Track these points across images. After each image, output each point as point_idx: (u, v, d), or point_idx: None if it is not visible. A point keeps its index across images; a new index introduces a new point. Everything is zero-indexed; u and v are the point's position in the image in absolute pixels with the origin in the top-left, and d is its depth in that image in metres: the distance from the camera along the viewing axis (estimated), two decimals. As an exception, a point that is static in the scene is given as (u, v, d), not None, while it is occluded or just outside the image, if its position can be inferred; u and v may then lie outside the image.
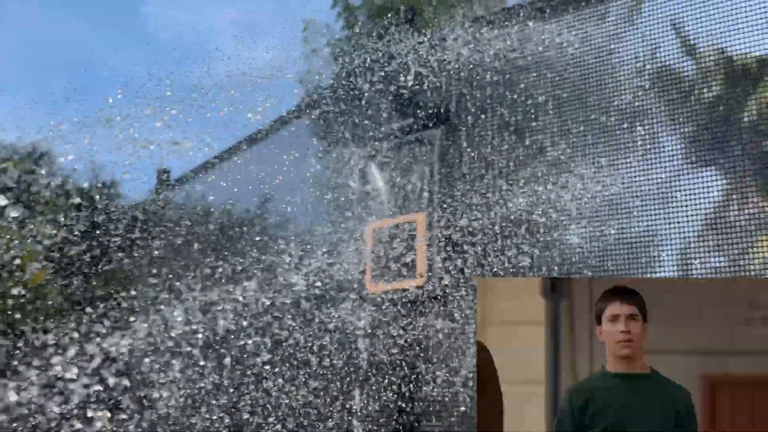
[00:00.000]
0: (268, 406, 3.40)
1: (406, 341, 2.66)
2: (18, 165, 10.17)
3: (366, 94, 3.05)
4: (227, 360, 3.45)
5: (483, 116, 2.79)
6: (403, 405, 2.80)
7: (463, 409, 2.69)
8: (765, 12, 2.74)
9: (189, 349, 3.39)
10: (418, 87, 2.73)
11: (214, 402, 3.48)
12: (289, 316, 3.35)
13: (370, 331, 2.89)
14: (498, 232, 2.72)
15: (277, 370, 3.40)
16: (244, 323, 3.58)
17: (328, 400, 3.17)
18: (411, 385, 2.76)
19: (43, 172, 11.28)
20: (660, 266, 2.93)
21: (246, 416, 3.41)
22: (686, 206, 2.85)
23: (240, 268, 3.81)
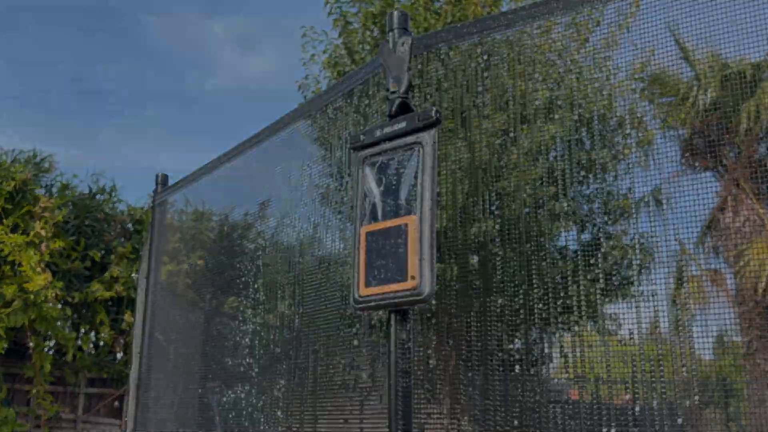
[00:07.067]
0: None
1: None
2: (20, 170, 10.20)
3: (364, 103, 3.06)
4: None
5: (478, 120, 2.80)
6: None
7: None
8: (760, 17, 2.75)
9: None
10: (411, 92, 2.73)
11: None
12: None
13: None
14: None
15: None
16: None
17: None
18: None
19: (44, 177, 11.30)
20: (655, 269, 2.94)
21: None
22: (682, 210, 2.86)
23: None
